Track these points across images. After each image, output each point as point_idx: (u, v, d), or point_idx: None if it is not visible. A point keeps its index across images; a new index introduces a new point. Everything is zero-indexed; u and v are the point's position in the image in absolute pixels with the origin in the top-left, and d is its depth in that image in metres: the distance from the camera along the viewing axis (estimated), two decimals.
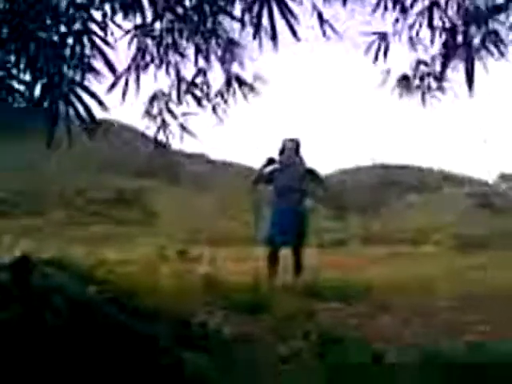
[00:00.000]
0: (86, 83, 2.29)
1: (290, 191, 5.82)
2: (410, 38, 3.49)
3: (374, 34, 3.41)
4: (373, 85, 3.83)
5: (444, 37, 3.32)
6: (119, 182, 14.20)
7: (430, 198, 15.89)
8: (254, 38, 2.54)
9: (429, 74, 3.66)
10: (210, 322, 3.65)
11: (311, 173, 6.01)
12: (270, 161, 6.00)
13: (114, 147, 15.55)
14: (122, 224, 11.51)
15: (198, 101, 3.52)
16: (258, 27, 2.44)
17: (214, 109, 3.64)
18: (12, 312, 2.34)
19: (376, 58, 3.41)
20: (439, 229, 11.81)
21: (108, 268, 4.65)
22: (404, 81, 3.75)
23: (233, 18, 2.76)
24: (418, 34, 3.41)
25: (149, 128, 3.52)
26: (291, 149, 5.94)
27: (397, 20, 3.37)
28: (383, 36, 3.41)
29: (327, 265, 7.28)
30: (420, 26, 3.35)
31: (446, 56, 3.34)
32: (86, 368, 2.23)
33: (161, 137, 3.53)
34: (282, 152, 5.99)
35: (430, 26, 3.30)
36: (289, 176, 5.86)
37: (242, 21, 2.62)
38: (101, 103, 2.24)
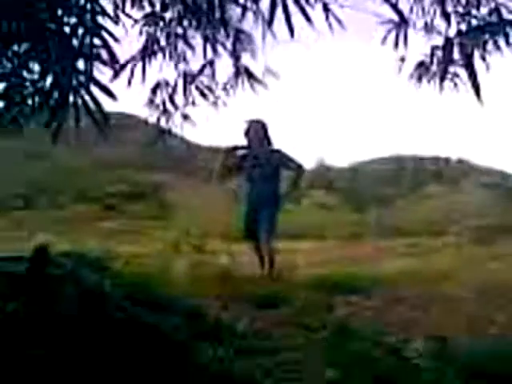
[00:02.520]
0: (94, 75, 2.25)
1: (264, 177, 5.24)
2: (425, 24, 3.41)
3: (386, 22, 3.34)
4: (388, 75, 3.77)
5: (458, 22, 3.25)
6: (135, 175, 14.26)
7: (448, 189, 15.69)
8: (269, 26, 2.45)
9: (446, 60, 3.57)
10: (224, 314, 3.64)
11: (281, 154, 5.29)
12: (235, 148, 5.38)
13: (130, 141, 15.61)
14: (138, 218, 11.57)
15: (202, 93, 3.49)
16: (271, 16, 2.36)
17: (215, 103, 3.59)
18: (25, 301, 2.34)
19: (396, 45, 3.33)
20: (458, 220, 11.65)
21: (123, 261, 4.65)
22: (421, 67, 3.66)
23: (239, 5, 2.69)
24: (432, 20, 3.34)
25: (151, 116, 3.53)
26: (259, 130, 5.28)
27: (411, 8, 3.31)
28: (399, 23, 3.33)
29: (345, 257, 7.23)
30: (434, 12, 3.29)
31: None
32: (99, 359, 2.23)
33: (163, 126, 3.55)
34: (246, 133, 5.32)
35: (444, 13, 3.23)
36: (261, 161, 5.25)
37: (244, 8, 2.56)
38: (112, 95, 2.20)
